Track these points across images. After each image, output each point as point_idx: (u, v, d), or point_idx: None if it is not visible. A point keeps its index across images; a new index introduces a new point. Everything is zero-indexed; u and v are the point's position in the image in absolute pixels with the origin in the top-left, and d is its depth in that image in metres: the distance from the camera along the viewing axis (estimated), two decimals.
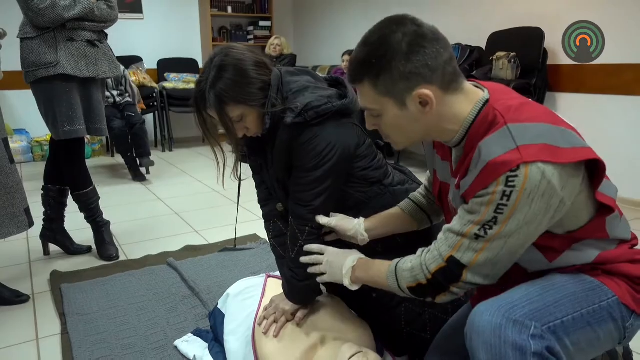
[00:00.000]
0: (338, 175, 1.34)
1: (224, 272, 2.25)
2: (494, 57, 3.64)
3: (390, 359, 1.49)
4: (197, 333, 1.74)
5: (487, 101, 1.00)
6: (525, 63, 3.56)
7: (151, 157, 4.30)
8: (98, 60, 2.34)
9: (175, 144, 5.60)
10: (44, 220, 2.51)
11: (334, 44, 5.73)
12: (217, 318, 1.64)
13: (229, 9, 6.23)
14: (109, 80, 4.34)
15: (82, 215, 2.54)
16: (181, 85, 5.54)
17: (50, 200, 2.47)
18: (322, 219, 1.36)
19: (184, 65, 5.83)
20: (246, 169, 1.50)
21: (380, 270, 1.13)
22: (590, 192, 0.98)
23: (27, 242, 2.73)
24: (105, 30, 2.43)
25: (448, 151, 1.11)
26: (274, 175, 1.45)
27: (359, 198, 1.41)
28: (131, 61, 5.32)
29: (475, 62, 4.02)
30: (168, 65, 5.76)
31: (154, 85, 5.40)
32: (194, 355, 1.62)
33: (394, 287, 1.10)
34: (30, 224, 2.06)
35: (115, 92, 4.47)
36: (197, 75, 1.48)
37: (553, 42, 3.50)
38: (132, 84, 4.68)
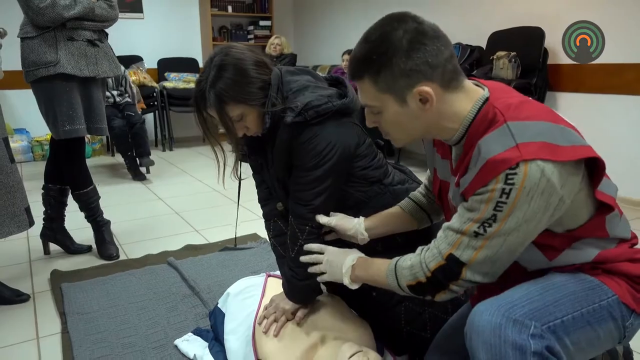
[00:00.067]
0: (338, 175, 1.34)
1: (224, 272, 2.25)
2: (495, 57, 3.64)
3: (391, 358, 1.49)
4: (198, 332, 1.74)
5: (487, 99, 1.00)
6: (526, 62, 3.56)
7: (151, 157, 4.30)
8: (98, 59, 2.34)
9: (175, 143, 5.61)
10: (44, 219, 2.51)
11: (334, 43, 5.73)
12: (217, 317, 1.64)
13: (229, 8, 6.23)
14: (109, 80, 4.34)
15: (82, 214, 2.54)
16: (181, 85, 5.54)
17: (51, 200, 2.47)
18: (322, 219, 1.36)
19: (184, 64, 5.83)
20: (246, 169, 1.50)
21: (380, 269, 1.13)
22: (589, 191, 0.98)
23: (27, 241, 2.73)
24: (106, 30, 2.43)
25: (448, 149, 1.11)
26: (274, 175, 1.45)
27: (359, 197, 1.41)
28: (131, 61, 5.32)
29: (475, 62, 4.02)
30: (168, 65, 5.76)
31: (154, 84, 5.40)
32: (194, 355, 1.62)
33: (394, 286, 1.09)
34: (31, 223, 2.06)
35: (115, 92, 4.47)
36: (198, 75, 1.48)
37: (553, 42, 3.50)
38: (132, 85, 4.68)
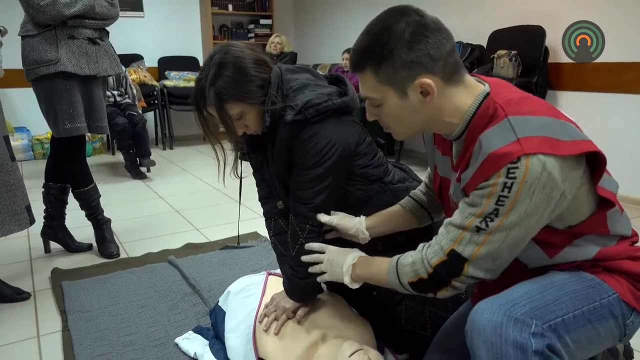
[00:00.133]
0: (338, 173, 1.34)
1: (225, 270, 2.25)
2: (495, 55, 3.64)
3: (391, 356, 1.49)
4: (198, 330, 1.74)
5: (487, 94, 1.00)
6: (526, 61, 3.55)
7: (152, 156, 4.30)
8: (99, 57, 2.34)
9: (175, 141, 5.60)
10: (44, 217, 2.51)
11: (334, 42, 5.72)
12: (217, 315, 1.64)
13: (230, 7, 6.23)
14: (110, 80, 4.34)
15: (82, 212, 2.54)
16: (182, 84, 5.54)
17: (51, 198, 2.47)
18: (323, 217, 1.36)
19: (184, 63, 5.83)
20: (247, 167, 1.50)
21: (381, 267, 1.13)
22: (591, 186, 0.98)
23: (28, 239, 2.73)
24: (107, 28, 2.43)
25: (449, 145, 1.11)
26: (274, 173, 1.45)
27: (359, 196, 1.41)
28: (132, 59, 5.32)
29: (476, 60, 4.02)
30: (169, 63, 5.76)
31: (155, 83, 5.40)
32: (195, 353, 1.62)
33: (395, 283, 1.09)
34: (31, 221, 2.06)
35: (115, 92, 4.48)
36: (198, 73, 1.47)
37: (554, 41, 3.50)
38: (132, 85, 4.68)
